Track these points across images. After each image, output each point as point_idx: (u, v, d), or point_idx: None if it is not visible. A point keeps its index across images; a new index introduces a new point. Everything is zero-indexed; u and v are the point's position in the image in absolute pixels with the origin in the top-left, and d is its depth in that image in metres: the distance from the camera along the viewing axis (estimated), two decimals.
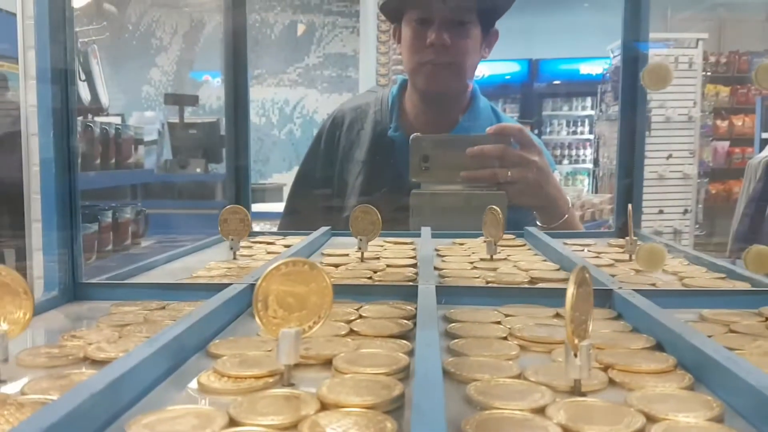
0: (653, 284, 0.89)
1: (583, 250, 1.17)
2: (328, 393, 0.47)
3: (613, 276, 0.91)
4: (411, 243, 1.24)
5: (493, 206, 1.06)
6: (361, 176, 1.58)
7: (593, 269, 0.91)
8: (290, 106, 7.84)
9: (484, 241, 1.08)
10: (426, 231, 1.27)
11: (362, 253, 1.08)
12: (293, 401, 0.47)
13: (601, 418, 0.44)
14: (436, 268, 0.98)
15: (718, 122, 6.35)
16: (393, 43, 5.84)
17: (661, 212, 4.95)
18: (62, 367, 0.56)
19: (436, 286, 0.77)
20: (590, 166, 6.76)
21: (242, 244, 1.15)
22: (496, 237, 1.05)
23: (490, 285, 0.88)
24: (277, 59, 7.67)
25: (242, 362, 0.55)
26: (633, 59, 1.30)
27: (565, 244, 1.21)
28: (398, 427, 0.43)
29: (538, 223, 1.43)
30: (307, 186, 1.69)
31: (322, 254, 1.14)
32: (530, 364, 0.55)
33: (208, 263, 1.05)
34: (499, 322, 0.69)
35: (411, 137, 1.19)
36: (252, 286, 0.79)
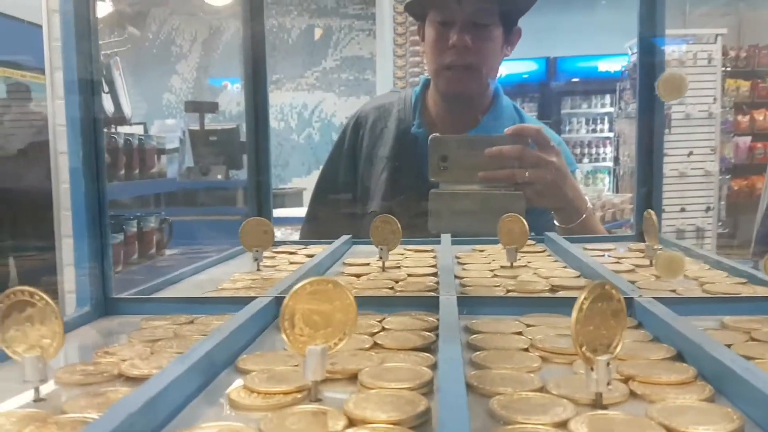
0: (674, 290, 0.89)
1: (603, 256, 1.18)
2: (354, 409, 0.49)
3: (633, 282, 0.91)
4: (431, 251, 1.25)
5: (515, 214, 1.07)
6: (384, 172, 1.60)
7: (613, 276, 0.92)
8: (308, 110, 7.88)
9: (504, 248, 1.09)
10: (446, 238, 1.29)
11: (383, 263, 1.09)
12: (321, 417, 0.48)
13: None
14: (456, 277, 0.99)
15: (739, 117, 6.28)
16: (409, 45, 5.86)
17: (683, 210, 4.92)
18: (98, 384, 0.58)
19: (458, 297, 0.78)
20: (610, 164, 6.72)
21: (265, 254, 1.17)
22: (519, 244, 1.06)
23: (511, 295, 0.89)
24: (295, 64, 7.72)
25: (271, 378, 0.56)
26: (650, 56, 1.30)
27: (586, 249, 1.22)
28: None
29: (556, 222, 1.44)
30: (331, 186, 1.71)
31: (344, 264, 1.16)
32: (552, 377, 0.56)
33: (232, 275, 1.07)
34: (520, 333, 0.70)
35: (430, 138, 1.20)
36: (277, 299, 0.81)
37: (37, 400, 0.55)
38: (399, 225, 1.09)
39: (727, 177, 5.44)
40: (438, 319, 0.73)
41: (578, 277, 0.99)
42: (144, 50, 7.60)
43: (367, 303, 0.81)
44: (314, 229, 1.71)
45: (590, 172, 7.03)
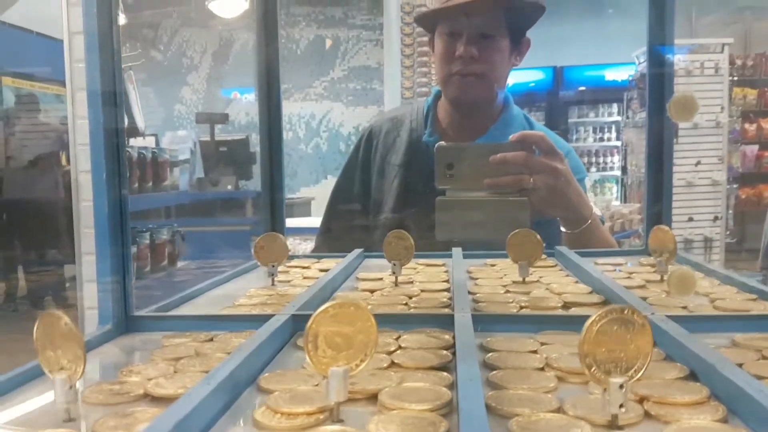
0: (685, 307, 0.91)
1: (614, 270, 1.19)
2: (375, 430, 0.50)
3: (645, 299, 0.93)
4: (443, 265, 1.27)
5: (527, 229, 1.09)
6: (396, 180, 1.64)
7: (625, 293, 0.93)
8: (316, 120, 7.92)
9: (516, 262, 1.10)
10: (457, 252, 1.30)
11: (396, 278, 1.11)
12: None
13: None
14: (469, 292, 1.00)
15: (747, 126, 6.28)
16: (417, 56, 5.89)
17: (690, 220, 4.91)
18: (125, 404, 0.59)
19: (472, 315, 0.80)
20: (618, 173, 6.72)
21: (279, 268, 1.18)
22: (532, 259, 1.08)
23: (524, 313, 0.90)
24: (303, 74, 7.77)
25: (293, 397, 0.58)
26: (658, 65, 1.31)
27: (597, 264, 1.23)
28: None
29: (562, 228, 1.45)
30: (346, 197, 1.75)
31: (357, 278, 1.17)
32: (569, 397, 0.57)
33: (248, 290, 1.08)
34: (535, 351, 0.72)
35: (435, 146, 1.22)
36: (293, 316, 0.83)
37: (67, 420, 0.56)
38: (412, 240, 1.11)
39: (735, 186, 5.43)
40: (453, 337, 0.75)
41: (590, 293, 1.00)
42: (156, 62, 7.67)
43: (383, 321, 0.82)
44: (329, 239, 1.74)
45: (598, 181, 7.03)
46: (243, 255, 1.32)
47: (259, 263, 1.16)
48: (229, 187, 3.83)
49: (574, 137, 7.26)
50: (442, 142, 1.35)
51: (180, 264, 2.91)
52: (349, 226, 1.74)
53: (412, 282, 1.11)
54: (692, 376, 0.63)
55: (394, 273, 1.11)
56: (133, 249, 2.45)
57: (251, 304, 0.99)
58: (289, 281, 1.18)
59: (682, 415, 0.54)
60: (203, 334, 0.82)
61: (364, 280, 1.15)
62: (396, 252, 1.11)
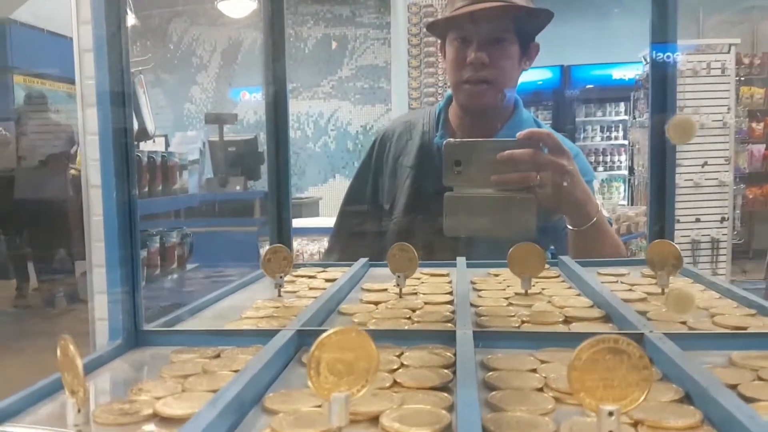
0: (684, 322, 0.92)
1: (616, 282, 1.20)
2: None
3: (644, 313, 0.94)
4: (447, 275, 1.29)
5: (530, 242, 1.11)
6: (409, 179, 1.69)
7: (625, 308, 0.94)
8: (324, 119, 7.95)
9: (519, 274, 1.11)
10: (461, 261, 1.32)
11: (400, 290, 1.13)
12: None
13: None
14: (472, 305, 1.02)
15: (754, 125, 6.26)
16: (423, 56, 5.90)
17: (697, 221, 4.91)
18: (135, 424, 0.61)
19: (474, 331, 0.82)
20: (625, 172, 6.71)
21: (285, 278, 1.20)
22: (534, 273, 1.09)
23: (525, 330, 0.91)
24: (311, 73, 7.79)
25: (297, 420, 0.60)
26: (662, 65, 1.32)
27: (599, 274, 1.25)
28: None
29: (568, 226, 1.47)
30: (359, 199, 1.78)
31: (362, 289, 1.19)
32: (565, 420, 0.59)
33: (255, 302, 1.10)
34: (534, 370, 0.73)
35: (444, 143, 1.24)
36: (299, 332, 0.85)
37: None
38: (416, 252, 1.13)
39: (742, 186, 5.43)
40: (455, 354, 0.77)
41: (592, 307, 1.01)
42: (166, 63, 7.71)
43: (386, 336, 0.84)
44: (342, 241, 1.79)
45: (605, 180, 7.03)
46: (251, 257, 1.34)
47: (265, 274, 1.18)
48: (238, 187, 3.86)
49: (582, 136, 7.26)
50: (450, 139, 1.37)
51: (189, 267, 2.94)
52: (362, 228, 1.78)
53: (416, 293, 1.13)
54: (687, 398, 0.65)
55: (398, 285, 1.12)
56: (144, 253, 2.48)
57: (258, 317, 1.01)
58: (295, 292, 1.19)
59: None
60: (210, 349, 0.84)
61: (368, 291, 1.17)
62: (400, 264, 1.13)
